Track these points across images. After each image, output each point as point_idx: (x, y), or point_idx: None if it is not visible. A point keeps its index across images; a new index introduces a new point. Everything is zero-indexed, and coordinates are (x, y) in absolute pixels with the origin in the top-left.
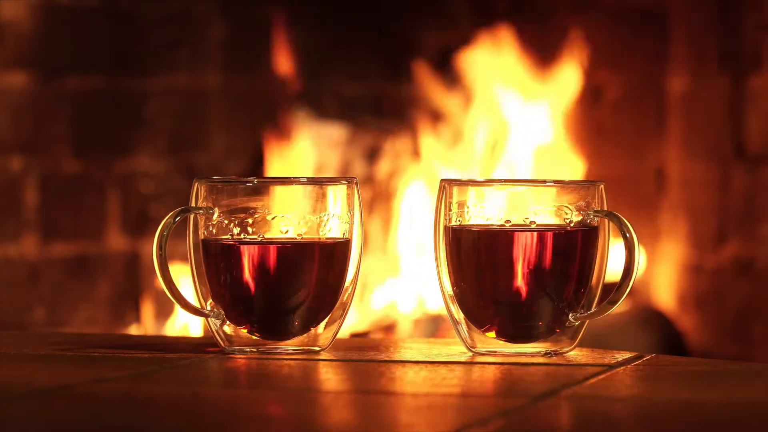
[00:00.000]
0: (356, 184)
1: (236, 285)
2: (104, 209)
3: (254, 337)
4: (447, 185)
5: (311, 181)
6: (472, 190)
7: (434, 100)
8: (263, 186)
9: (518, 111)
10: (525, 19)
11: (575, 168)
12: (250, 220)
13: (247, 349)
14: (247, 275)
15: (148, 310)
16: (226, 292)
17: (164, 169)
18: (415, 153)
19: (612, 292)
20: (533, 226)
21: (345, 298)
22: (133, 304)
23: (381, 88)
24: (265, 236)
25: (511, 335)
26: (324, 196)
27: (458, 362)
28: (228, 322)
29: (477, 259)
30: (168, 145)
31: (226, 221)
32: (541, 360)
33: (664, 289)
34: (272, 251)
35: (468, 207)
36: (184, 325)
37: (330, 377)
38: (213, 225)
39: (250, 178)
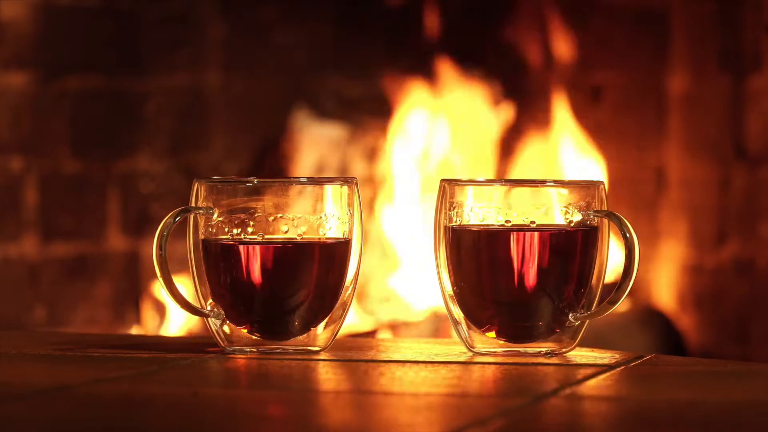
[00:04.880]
0: (356, 184)
1: (236, 285)
2: (104, 209)
3: (254, 337)
4: (447, 185)
5: (311, 181)
6: (472, 190)
7: (434, 99)
8: (263, 186)
9: (518, 110)
10: (524, 19)
11: (580, 168)
12: (250, 221)
13: (247, 349)
14: (247, 275)
15: (148, 310)
16: (226, 292)
17: (164, 169)
18: (416, 153)
19: (612, 292)
20: (533, 226)
21: (345, 298)
22: (133, 304)
23: (381, 88)
24: (265, 236)
25: (511, 335)
26: (324, 196)
27: (458, 362)
28: (228, 322)
29: (477, 259)
30: (168, 145)
31: (226, 221)
32: (541, 360)
33: (664, 289)
34: (272, 251)
35: (468, 207)
36: (184, 325)
37: (330, 377)
38: (213, 225)
39: (250, 178)
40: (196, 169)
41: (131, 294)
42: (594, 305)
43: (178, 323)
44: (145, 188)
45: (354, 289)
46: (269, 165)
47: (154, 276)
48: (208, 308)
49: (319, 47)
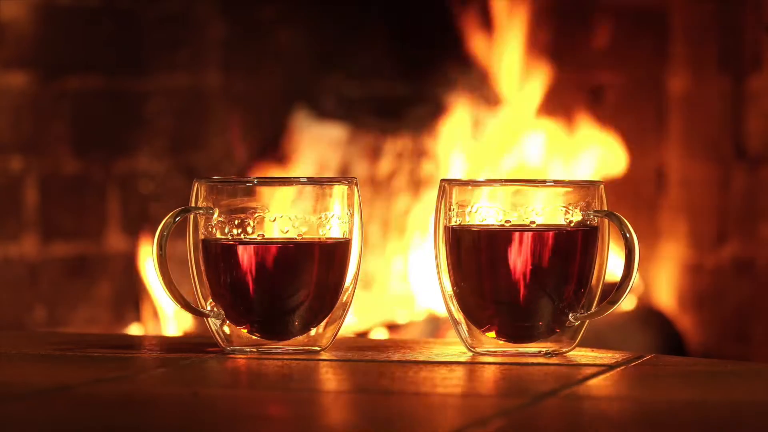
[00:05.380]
0: (356, 184)
1: (236, 285)
2: (104, 209)
3: (254, 337)
4: (447, 185)
5: (311, 181)
6: (472, 190)
7: (433, 100)
8: (263, 186)
9: (517, 110)
10: (525, 20)
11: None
12: (250, 220)
13: (247, 349)
14: (247, 275)
15: (148, 310)
16: (226, 292)
17: (164, 169)
18: (416, 153)
19: (612, 292)
20: (533, 226)
21: (345, 298)
22: (133, 304)
23: (381, 88)
24: (265, 236)
25: (511, 335)
26: (324, 196)
27: (458, 362)
28: (228, 322)
29: (477, 259)
30: (168, 145)
31: (226, 221)
32: (541, 360)
33: (664, 289)
34: (272, 251)
35: (468, 207)
36: (184, 325)
37: (330, 377)
38: (213, 225)
39: (250, 178)
40: (196, 169)
41: (131, 294)
42: (594, 305)
43: (178, 323)
44: (145, 188)
45: (354, 289)
46: (269, 165)
47: (154, 276)
48: (208, 308)
49: (319, 47)
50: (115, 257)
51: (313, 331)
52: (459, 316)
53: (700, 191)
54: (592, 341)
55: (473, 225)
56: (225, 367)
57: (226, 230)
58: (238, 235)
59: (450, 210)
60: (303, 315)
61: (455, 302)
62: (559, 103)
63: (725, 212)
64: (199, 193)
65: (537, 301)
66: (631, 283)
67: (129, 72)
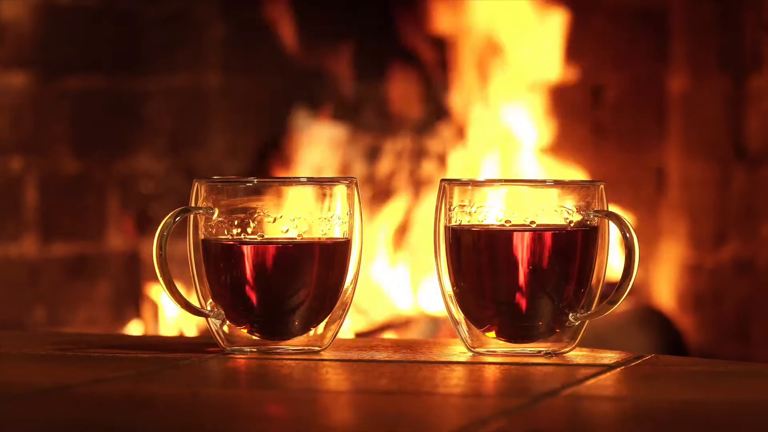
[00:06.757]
0: (356, 184)
1: (236, 285)
2: (104, 209)
3: (254, 337)
4: (447, 185)
5: (311, 181)
6: (472, 190)
7: (433, 100)
8: (263, 186)
9: (517, 111)
10: (525, 20)
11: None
12: (250, 220)
13: (247, 349)
14: (247, 275)
15: (148, 310)
16: (226, 292)
17: (164, 169)
18: (416, 153)
19: (612, 292)
20: (533, 226)
21: (345, 298)
22: (133, 304)
23: (381, 88)
24: (265, 236)
25: (511, 335)
26: (324, 196)
27: (458, 362)
28: (228, 322)
29: (477, 259)
30: (168, 145)
31: (226, 221)
32: (541, 360)
33: (664, 289)
34: (272, 251)
35: (468, 207)
36: (184, 325)
37: (330, 377)
38: (213, 225)
39: (250, 178)
40: (196, 169)
41: (131, 294)
42: (594, 305)
43: (177, 323)
44: (145, 188)
45: (354, 289)
46: (269, 165)
47: (154, 276)
48: (208, 308)
49: (320, 47)
50: (115, 257)
51: (313, 331)
52: (459, 316)
53: (700, 191)
54: (592, 341)
55: (473, 225)
56: (225, 367)
57: (226, 230)
58: (238, 235)
59: (450, 210)
60: (303, 315)
61: (455, 302)
62: (559, 103)
63: (725, 212)
64: (199, 193)
65: (537, 301)
66: (631, 283)
67: (129, 72)
